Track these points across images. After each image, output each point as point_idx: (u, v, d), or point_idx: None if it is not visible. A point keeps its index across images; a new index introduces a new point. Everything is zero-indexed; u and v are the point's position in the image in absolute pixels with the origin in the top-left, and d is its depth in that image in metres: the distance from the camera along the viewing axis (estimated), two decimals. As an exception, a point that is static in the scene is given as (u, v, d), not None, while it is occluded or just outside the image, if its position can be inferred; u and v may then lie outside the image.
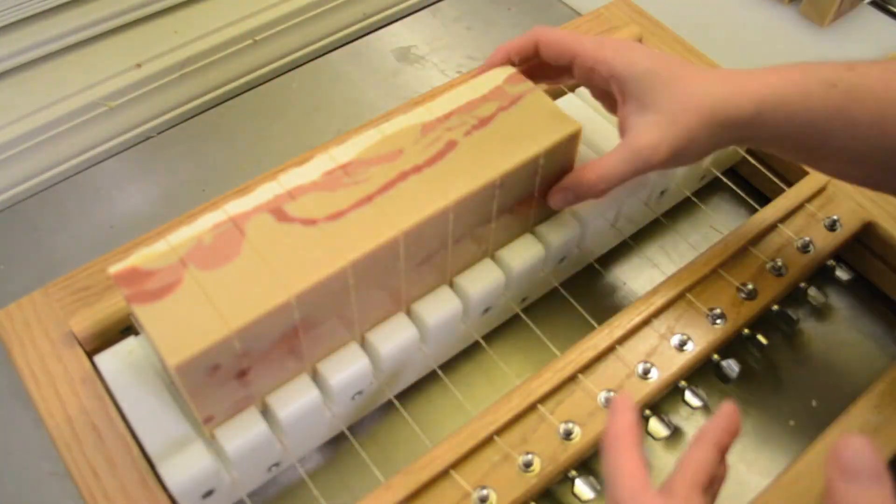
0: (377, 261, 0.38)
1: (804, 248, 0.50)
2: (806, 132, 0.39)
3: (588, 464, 0.43)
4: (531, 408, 0.42)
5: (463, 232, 0.41)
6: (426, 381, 0.48)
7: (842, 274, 0.51)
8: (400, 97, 0.63)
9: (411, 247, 0.39)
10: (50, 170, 0.58)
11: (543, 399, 0.43)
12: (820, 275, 0.51)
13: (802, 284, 0.50)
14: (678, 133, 0.40)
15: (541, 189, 0.44)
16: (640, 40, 0.60)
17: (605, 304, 0.52)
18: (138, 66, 0.63)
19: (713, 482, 0.32)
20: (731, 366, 0.46)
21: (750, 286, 0.48)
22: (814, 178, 0.53)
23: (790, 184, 0.53)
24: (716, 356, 0.47)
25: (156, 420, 0.39)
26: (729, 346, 0.48)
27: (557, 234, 0.46)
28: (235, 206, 0.38)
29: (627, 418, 0.32)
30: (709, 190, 0.58)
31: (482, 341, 0.47)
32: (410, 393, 0.47)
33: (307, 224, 0.38)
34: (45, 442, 0.41)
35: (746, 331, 0.48)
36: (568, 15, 0.70)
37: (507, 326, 0.50)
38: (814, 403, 0.48)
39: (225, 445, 0.38)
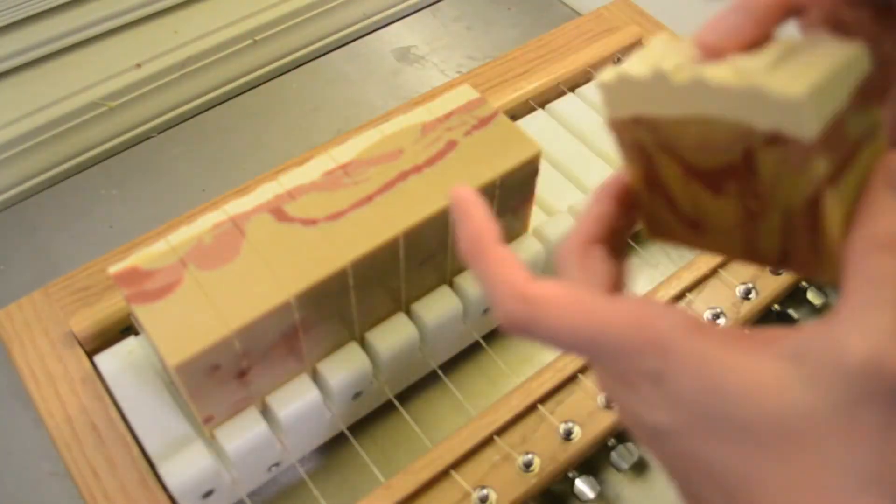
0: (377, 261, 0.38)
1: (804, 248, 0.50)
2: None
3: (588, 464, 0.43)
4: (531, 408, 0.42)
5: (463, 232, 0.41)
6: (426, 381, 0.48)
7: (842, 274, 0.51)
8: (400, 97, 0.63)
9: (411, 247, 0.39)
10: (50, 170, 0.58)
11: (543, 399, 0.43)
12: (820, 275, 0.51)
13: (802, 284, 0.50)
14: None
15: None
16: (640, 41, 0.60)
17: (605, 304, 0.52)
18: (138, 66, 0.63)
19: (616, 235, 0.27)
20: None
21: (750, 286, 0.48)
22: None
23: (790, 184, 0.53)
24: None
25: (156, 420, 0.39)
26: (729, 346, 0.48)
27: (558, 233, 0.46)
28: (235, 206, 0.38)
29: (478, 214, 0.26)
30: (709, 190, 0.58)
31: (482, 341, 0.47)
32: (410, 393, 0.47)
33: (307, 224, 0.38)
34: (45, 442, 0.41)
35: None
36: (568, 15, 0.70)
37: (507, 326, 0.50)
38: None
39: (225, 445, 0.38)
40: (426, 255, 0.41)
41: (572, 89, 0.56)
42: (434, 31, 0.68)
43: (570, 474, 0.42)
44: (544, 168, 0.45)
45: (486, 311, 0.46)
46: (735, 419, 0.20)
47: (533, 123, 0.55)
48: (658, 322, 0.21)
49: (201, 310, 0.34)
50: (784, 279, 0.48)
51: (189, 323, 0.34)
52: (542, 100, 0.57)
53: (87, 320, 0.44)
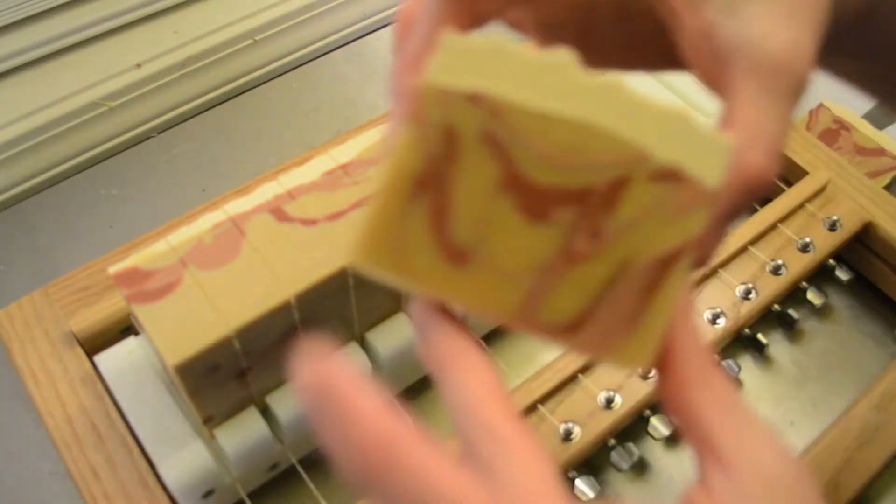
0: (377, 261, 0.38)
1: (804, 248, 0.50)
2: None
3: (588, 464, 0.43)
4: (531, 408, 0.42)
5: (463, 232, 0.41)
6: (426, 381, 0.48)
7: (842, 274, 0.51)
8: (400, 97, 0.63)
9: (411, 247, 0.39)
10: (50, 170, 0.58)
11: (543, 399, 0.43)
12: (820, 275, 0.51)
13: (802, 284, 0.50)
14: (810, 19, 0.22)
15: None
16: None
17: (605, 304, 0.52)
18: (138, 66, 0.63)
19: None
20: (731, 366, 0.46)
21: (750, 286, 0.48)
22: (814, 178, 0.53)
23: (790, 183, 0.53)
24: (716, 356, 0.47)
25: (156, 420, 0.39)
26: (729, 346, 0.48)
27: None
28: (235, 206, 0.38)
29: (459, 335, 0.21)
30: (709, 190, 0.58)
31: (482, 341, 0.47)
32: (410, 393, 0.47)
33: (307, 224, 0.38)
34: (45, 442, 0.41)
35: (746, 331, 0.48)
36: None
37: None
38: (813, 403, 0.48)
39: (225, 445, 0.38)
40: (426, 255, 0.41)
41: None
42: (434, 31, 0.68)
43: (571, 474, 0.42)
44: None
45: (486, 311, 0.46)
46: None
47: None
48: None
49: (201, 310, 0.34)
50: (784, 279, 0.48)
51: (189, 323, 0.34)
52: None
53: (87, 320, 0.44)
